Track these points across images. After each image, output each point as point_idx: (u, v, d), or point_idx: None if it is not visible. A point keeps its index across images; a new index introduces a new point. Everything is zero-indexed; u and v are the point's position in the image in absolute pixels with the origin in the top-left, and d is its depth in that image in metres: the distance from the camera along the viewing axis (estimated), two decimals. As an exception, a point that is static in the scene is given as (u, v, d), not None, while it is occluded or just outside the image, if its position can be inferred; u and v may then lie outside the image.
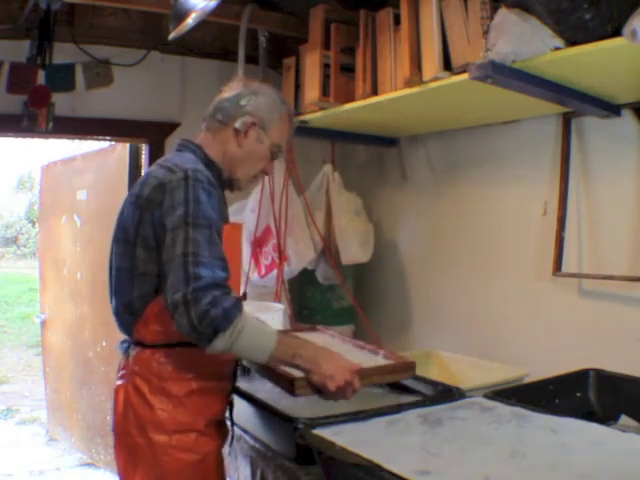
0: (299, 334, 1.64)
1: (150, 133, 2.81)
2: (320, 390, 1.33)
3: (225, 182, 1.54)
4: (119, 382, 1.44)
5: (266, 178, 2.49)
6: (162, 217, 1.33)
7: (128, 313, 1.42)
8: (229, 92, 1.53)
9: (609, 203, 1.93)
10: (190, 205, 1.30)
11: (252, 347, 1.29)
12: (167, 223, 1.31)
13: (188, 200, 1.30)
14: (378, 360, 1.56)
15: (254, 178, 1.58)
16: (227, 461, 1.63)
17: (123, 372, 1.44)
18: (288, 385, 1.36)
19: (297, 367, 1.33)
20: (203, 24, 2.20)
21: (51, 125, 2.52)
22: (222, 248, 1.32)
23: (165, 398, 1.38)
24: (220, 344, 1.23)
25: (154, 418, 1.37)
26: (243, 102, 1.50)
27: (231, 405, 1.56)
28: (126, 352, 1.45)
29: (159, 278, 1.35)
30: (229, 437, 1.57)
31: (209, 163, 1.48)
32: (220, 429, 1.49)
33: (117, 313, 1.46)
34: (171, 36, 2.04)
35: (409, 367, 1.50)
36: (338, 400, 1.34)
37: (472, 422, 1.25)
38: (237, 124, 1.49)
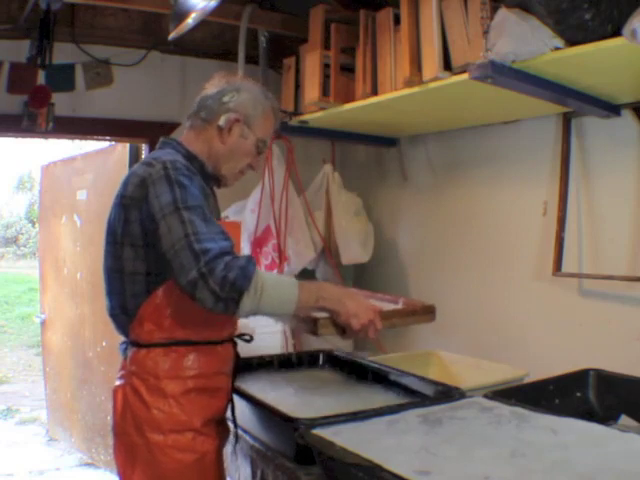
0: None
1: (150, 133, 2.81)
2: (343, 330, 1.35)
3: (210, 177, 1.53)
4: (117, 382, 1.44)
5: (266, 178, 2.49)
6: (149, 210, 1.32)
7: (123, 314, 1.43)
8: (211, 89, 1.52)
9: (609, 203, 1.93)
10: (176, 191, 1.31)
11: (278, 300, 1.29)
12: (156, 214, 1.30)
13: (173, 187, 1.31)
14: (398, 306, 1.59)
15: (240, 174, 1.57)
16: (227, 461, 1.63)
17: (122, 372, 1.45)
18: (311, 326, 1.37)
19: (323, 309, 1.34)
20: (203, 24, 2.21)
21: (51, 125, 2.52)
22: (217, 223, 1.33)
23: (161, 397, 1.38)
24: (248, 304, 1.24)
25: (151, 418, 1.37)
26: (226, 99, 1.49)
27: (232, 405, 1.56)
28: (124, 353, 1.46)
29: (149, 276, 1.37)
30: (230, 437, 1.57)
31: (191, 157, 1.48)
32: (220, 428, 1.49)
33: (113, 315, 1.47)
34: (171, 36, 2.04)
35: (428, 310, 1.52)
36: (361, 338, 1.36)
37: (472, 422, 1.25)
38: (220, 121, 1.48)
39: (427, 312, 1.51)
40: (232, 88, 1.50)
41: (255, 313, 1.28)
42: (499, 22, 1.51)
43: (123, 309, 1.42)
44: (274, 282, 1.29)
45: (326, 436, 1.15)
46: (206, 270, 1.21)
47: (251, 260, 1.26)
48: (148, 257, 1.34)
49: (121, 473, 1.43)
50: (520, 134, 2.21)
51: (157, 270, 1.35)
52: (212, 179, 1.54)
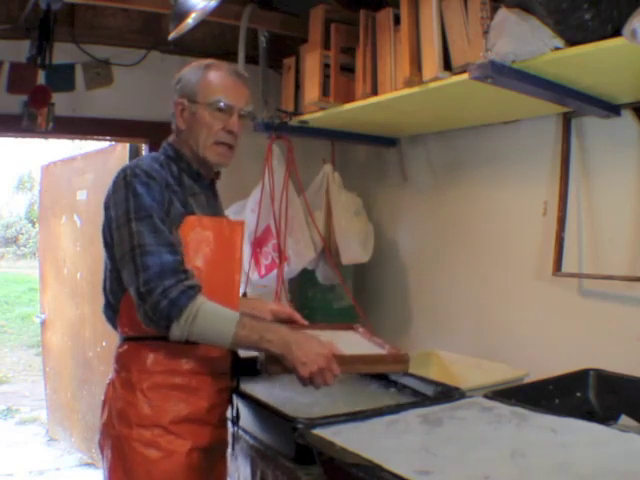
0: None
1: (150, 133, 2.80)
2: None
3: (201, 167, 1.54)
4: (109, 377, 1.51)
5: (266, 178, 2.49)
6: (111, 217, 1.39)
7: (109, 309, 1.50)
8: None
9: (609, 203, 1.93)
10: (130, 201, 1.35)
11: (211, 332, 1.30)
12: (113, 222, 1.38)
13: (128, 197, 1.36)
14: (382, 351, 1.53)
15: (219, 146, 1.51)
16: (227, 461, 1.63)
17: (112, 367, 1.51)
18: (264, 364, 1.36)
19: (267, 352, 1.31)
20: (203, 24, 2.20)
21: (51, 125, 2.52)
22: (169, 234, 1.35)
23: (130, 391, 1.40)
24: (176, 332, 1.28)
25: (122, 410, 1.41)
26: (175, 96, 1.56)
27: (232, 405, 1.56)
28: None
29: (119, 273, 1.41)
30: (228, 439, 1.57)
31: (178, 157, 1.52)
32: (199, 430, 1.44)
33: (103, 310, 1.52)
34: (171, 36, 2.04)
35: (400, 359, 1.43)
36: (318, 386, 1.31)
37: (472, 422, 1.25)
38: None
39: (399, 361, 1.43)
40: (176, 82, 1.57)
41: (188, 339, 1.30)
42: (499, 22, 1.51)
43: (109, 305, 1.49)
44: (212, 314, 1.30)
45: (326, 436, 1.15)
46: (144, 290, 1.27)
47: (186, 292, 1.28)
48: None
49: (104, 462, 1.46)
50: (520, 134, 2.21)
51: None
52: (204, 169, 1.54)
